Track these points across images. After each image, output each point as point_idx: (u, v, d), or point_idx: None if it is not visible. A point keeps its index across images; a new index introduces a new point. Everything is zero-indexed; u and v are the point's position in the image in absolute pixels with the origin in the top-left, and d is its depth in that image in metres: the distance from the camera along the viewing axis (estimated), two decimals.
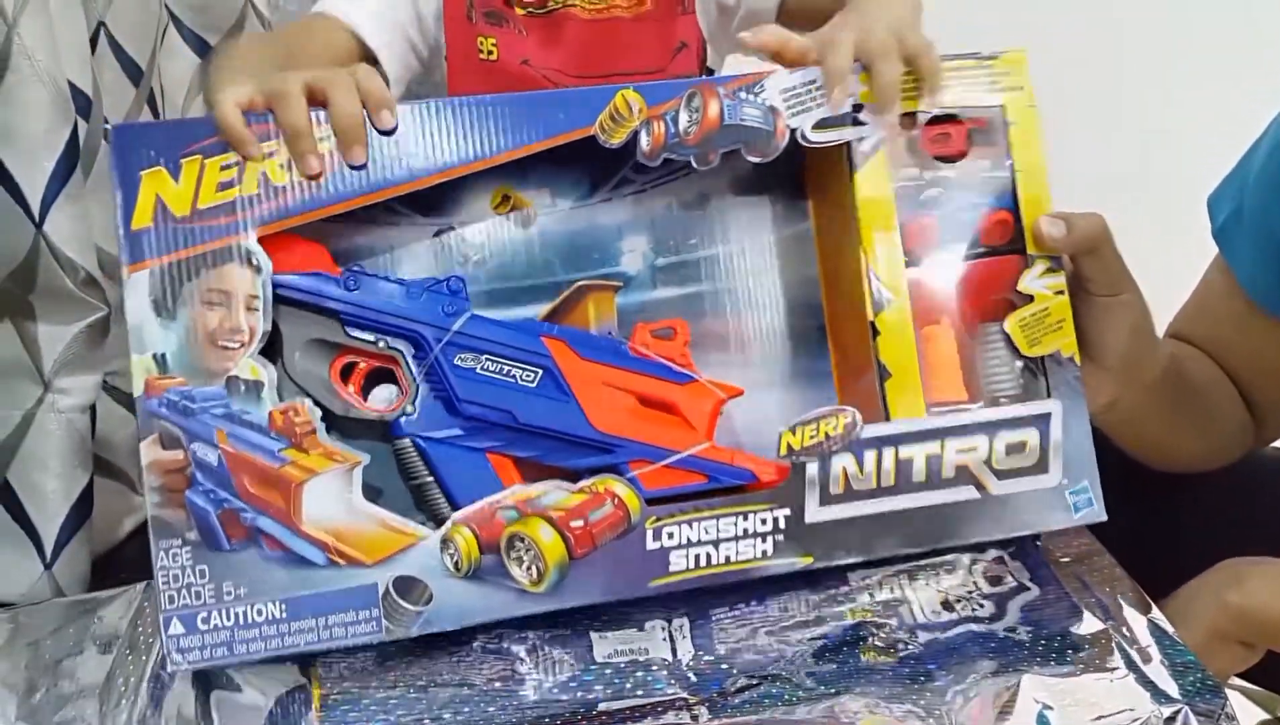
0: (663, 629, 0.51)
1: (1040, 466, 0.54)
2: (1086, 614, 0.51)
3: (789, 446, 0.52)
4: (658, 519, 0.50)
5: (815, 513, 0.52)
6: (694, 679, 0.48)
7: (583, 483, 0.50)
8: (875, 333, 0.54)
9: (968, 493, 0.53)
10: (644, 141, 0.53)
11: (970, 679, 0.48)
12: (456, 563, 0.48)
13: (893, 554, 0.53)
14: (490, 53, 0.79)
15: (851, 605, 0.53)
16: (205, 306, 0.48)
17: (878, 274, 0.54)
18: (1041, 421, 0.54)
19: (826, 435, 0.52)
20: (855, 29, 0.54)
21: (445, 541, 0.48)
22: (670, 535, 0.50)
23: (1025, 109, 0.56)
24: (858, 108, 0.54)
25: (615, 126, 0.52)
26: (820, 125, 0.54)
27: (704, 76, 0.82)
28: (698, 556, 0.50)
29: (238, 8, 0.96)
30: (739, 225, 0.59)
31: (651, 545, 0.50)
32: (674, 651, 0.50)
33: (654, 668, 0.49)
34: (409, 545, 0.48)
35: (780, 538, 0.51)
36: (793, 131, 0.54)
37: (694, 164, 0.54)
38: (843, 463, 0.52)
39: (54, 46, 0.64)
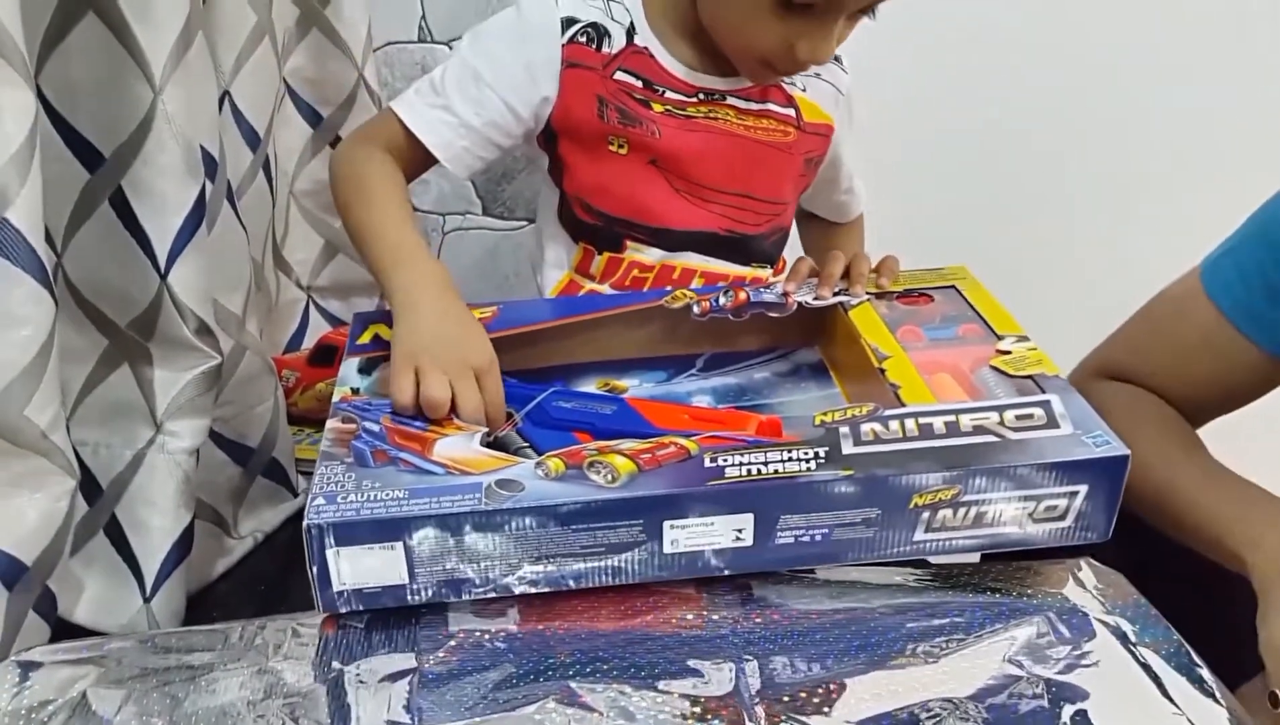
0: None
1: (1051, 424, 0.61)
2: None
3: (821, 421, 0.63)
4: (714, 453, 0.60)
5: (850, 449, 0.60)
6: None
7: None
8: (883, 371, 0.68)
9: (988, 439, 0.61)
10: (695, 308, 0.77)
11: None
12: (546, 473, 0.59)
13: (928, 473, 0.58)
14: (621, 148, 0.80)
15: None
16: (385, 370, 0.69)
17: (877, 347, 0.71)
18: (1042, 403, 0.63)
19: (853, 415, 0.63)
20: (847, 254, 0.81)
21: (538, 464, 0.60)
22: (725, 459, 0.59)
23: (973, 284, 0.78)
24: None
25: (673, 301, 0.77)
26: (818, 298, 0.78)
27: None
28: (749, 469, 0.58)
29: (350, 83, 1.00)
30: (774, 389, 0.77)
31: (709, 464, 0.59)
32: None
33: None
34: (511, 465, 0.60)
35: (822, 460, 0.59)
36: (799, 303, 0.77)
37: (730, 317, 0.76)
38: (870, 426, 0.62)
39: (190, 112, 0.67)
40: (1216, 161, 1.11)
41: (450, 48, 1.13)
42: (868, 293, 0.77)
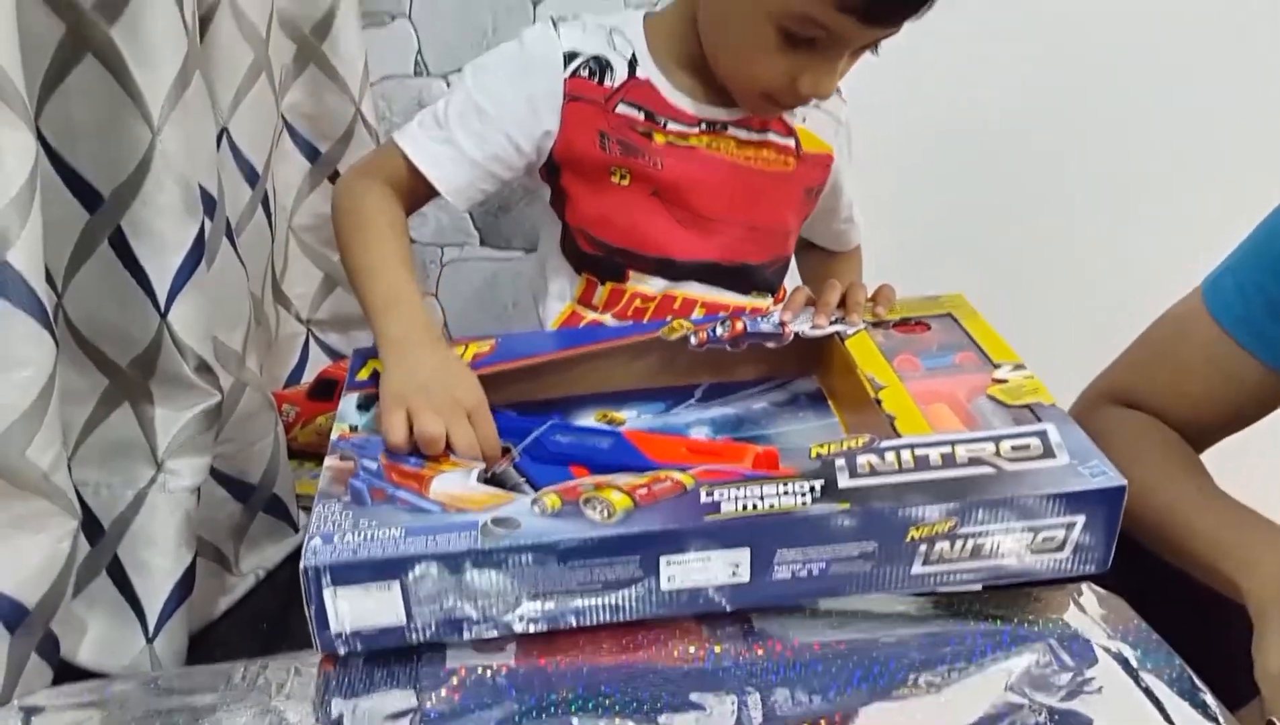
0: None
1: (1048, 454, 0.61)
2: None
3: (818, 453, 0.63)
4: (710, 487, 0.60)
5: (846, 482, 0.60)
6: None
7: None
8: (879, 401, 0.68)
9: (984, 470, 0.61)
10: (692, 339, 0.77)
11: None
12: (542, 509, 0.59)
13: (925, 506, 0.58)
14: (623, 179, 0.81)
15: None
16: None
17: (873, 376, 0.71)
18: (1039, 434, 0.63)
19: (849, 447, 0.63)
20: (843, 284, 0.81)
21: (535, 500, 0.60)
22: (721, 493, 0.59)
23: (970, 312, 0.79)
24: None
25: (670, 332, 0.77)
26: (815, 327, 0.78)
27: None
28: (745, 504, 0.58)
29: (347, 118, 1.00)
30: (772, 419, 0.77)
31: (705, 499, 0.59)
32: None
33: None
34: (508, 502, 0.60)
35: (818, 494, 0.59)
36: (796, 334, 0.77)
37: (727, 349, 0.77)
38: (866, 458, 0.62)
39: (189, 151, 0.67)
40: (1216, 163, 1.11)
41: (447, 81, 1.14)
42: (864, 322, 0.78)
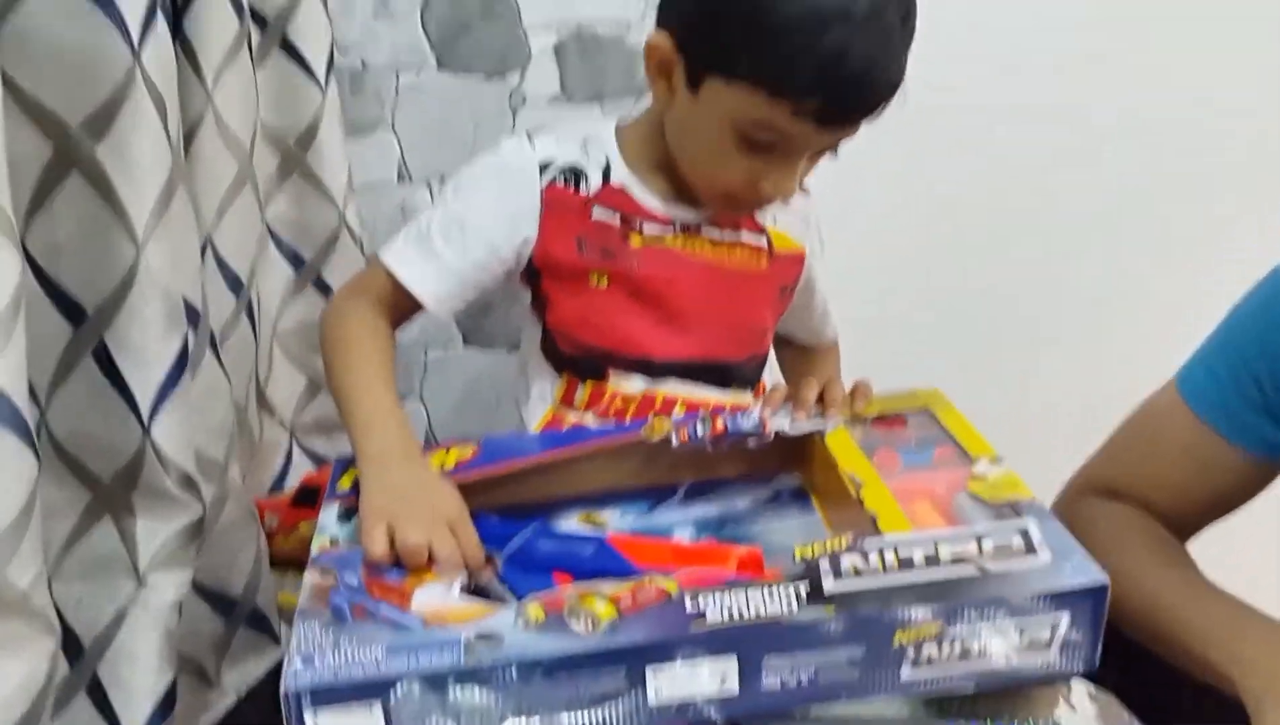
0: None
1: (1030, 552, 0.62)
2: None
3: (801, 556, 0.63)
4: (694, 593, 0.60)
5: (832, 585, 0.60)
6: None
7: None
8: (860, 500, 0.69)
9: (968, 570, 0.61)
10: (674, 438, 0.78)
11: None
12: (526, 622, 0.58)
13: (911, 608, 0.58)
14: (601, 281, 0.83)
15: None
16: None
17: (854, 475, 0.71)
18: (1019, 531, 0.63)
19: (833, 548, 0.63)
20: (821, 380, 0.82)
21: (518, 612, 0.59)
22: (705, 600, 0.59)
23: (946, 407, 0.79)
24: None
25: (651, 432, 0.78)
26: (794, 424, 0.78)
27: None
28: (731, 612, 0.58)
29: (332, 225, 1.00)
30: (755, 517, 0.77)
31: (689, 606, 0.59)
32: None
33: None
34: (490, 615, 0.60)
35: (804, 600, 0.59)
36: (776, 432, 0.78)
37: (709, 448, 0.77)
38: (851, 559, 0.62)
39: (173, 265, 0.67)
40: (1190, 254, 1.17)
41: (429, 187, 1.16)
42: (842, 418, 0.78)
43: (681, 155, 0.81)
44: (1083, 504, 0.79)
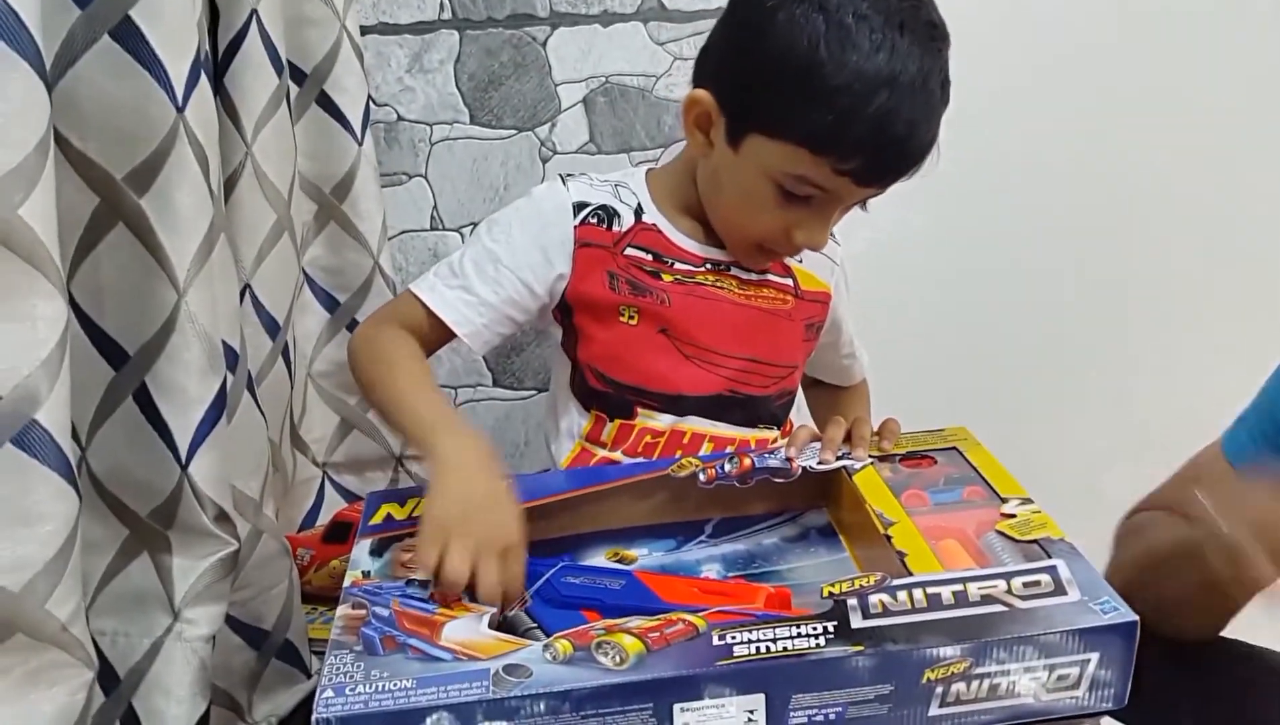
0: None
1: (1059, 591, 0.62)
2: None
3: (830, 592, 0.63)
4: (722, 630, 0.60)
5: (860, 623, 0.60)
6: None
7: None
8: (889, 538, 0.69)
9: (997, 608, 0.61)
10: (702, 475, 0.78)
11: None
12: (554, 656, 0.59)
13: (939, 647, 0.58)
14: (632, 318, 0.84)
15: None
16: (401, 550, 0.71)
17: (882, 512, 0.71)
18: (1049, 570, 0.63)
19: (861, 585, 0.64)
20: (849, 419, 0.83)
21: (546, 646, 0.60)
22: (733, 636, 0.59)
23: (974, 445, 0.80)
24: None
25: (679, 469, 0.79)
26: (821, 463, 0.79)
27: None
28: (758, 647, 0.58)
29: (366, 271, 1.03)
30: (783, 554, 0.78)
31: (717, 642, 0.59)
32: None
33: None
34: (519, 648, 0.60)
35: (831, 636, 0.59)
36: (804, 468, 0.78)
37: (736, 485, 0.78)
38: (879, 597, 0.62)
39: (213, 311, 0.69)
40: (1225, 306, 1.17)
41: (461, 235, 1.19)
42: (870, 456, 0.79)
43: (715, 204, 0.83)
44: (1125, 528, 0.79)
